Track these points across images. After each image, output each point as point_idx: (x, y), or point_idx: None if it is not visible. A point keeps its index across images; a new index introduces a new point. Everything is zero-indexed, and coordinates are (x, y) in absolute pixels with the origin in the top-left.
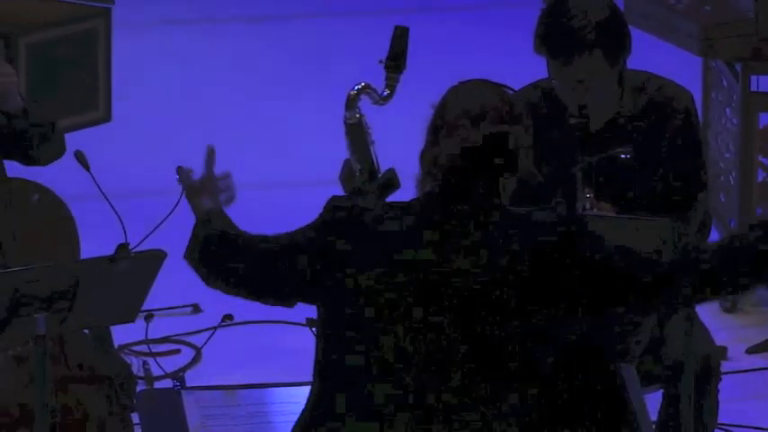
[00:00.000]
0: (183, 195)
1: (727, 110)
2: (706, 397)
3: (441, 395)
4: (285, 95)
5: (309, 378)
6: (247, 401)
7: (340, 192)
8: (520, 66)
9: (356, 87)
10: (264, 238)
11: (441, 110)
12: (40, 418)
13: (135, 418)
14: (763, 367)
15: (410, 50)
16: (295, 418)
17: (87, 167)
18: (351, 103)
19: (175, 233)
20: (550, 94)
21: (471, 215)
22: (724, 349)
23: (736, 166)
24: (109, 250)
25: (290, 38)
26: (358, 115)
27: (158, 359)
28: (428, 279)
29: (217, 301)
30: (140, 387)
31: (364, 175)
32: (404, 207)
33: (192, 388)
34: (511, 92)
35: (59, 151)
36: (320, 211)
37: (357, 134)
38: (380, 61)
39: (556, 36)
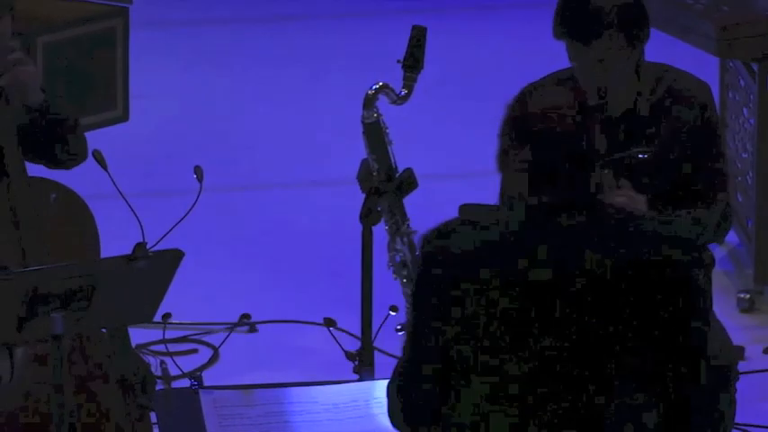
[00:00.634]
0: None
1: (745, 110)
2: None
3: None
4: (305, 96)
5: (326, 377)
6: (264, 401)
7: (349, 192)
8: (523, 66)
9: (374, 87)
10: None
11: (521, 108)
12: (58, 418)
13: (152, 417)
14: None
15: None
16: (312, 417)
17: (105, 167)
18: (369, 102)
19: (193, 232)
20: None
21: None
22: (741, 349)
23: (753, 166)
24: (126, 250)
25: (313, 38)
26: (375, 115)
27: (176, 359)
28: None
29: (233, 301)
30: (158, 387)
31: (382, 174)
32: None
33: (210, 387)
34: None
35: (83, 152)
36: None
37: (374, 133)
38: (399, 61)
39: (578, 16)
